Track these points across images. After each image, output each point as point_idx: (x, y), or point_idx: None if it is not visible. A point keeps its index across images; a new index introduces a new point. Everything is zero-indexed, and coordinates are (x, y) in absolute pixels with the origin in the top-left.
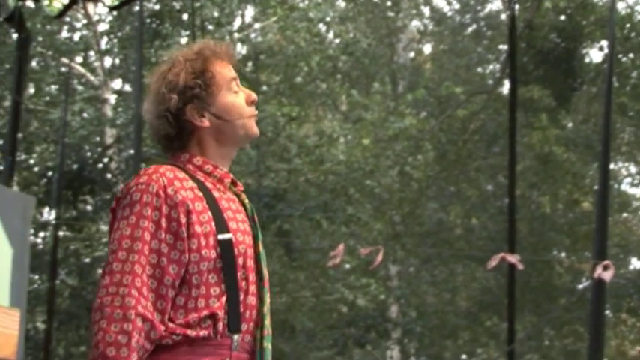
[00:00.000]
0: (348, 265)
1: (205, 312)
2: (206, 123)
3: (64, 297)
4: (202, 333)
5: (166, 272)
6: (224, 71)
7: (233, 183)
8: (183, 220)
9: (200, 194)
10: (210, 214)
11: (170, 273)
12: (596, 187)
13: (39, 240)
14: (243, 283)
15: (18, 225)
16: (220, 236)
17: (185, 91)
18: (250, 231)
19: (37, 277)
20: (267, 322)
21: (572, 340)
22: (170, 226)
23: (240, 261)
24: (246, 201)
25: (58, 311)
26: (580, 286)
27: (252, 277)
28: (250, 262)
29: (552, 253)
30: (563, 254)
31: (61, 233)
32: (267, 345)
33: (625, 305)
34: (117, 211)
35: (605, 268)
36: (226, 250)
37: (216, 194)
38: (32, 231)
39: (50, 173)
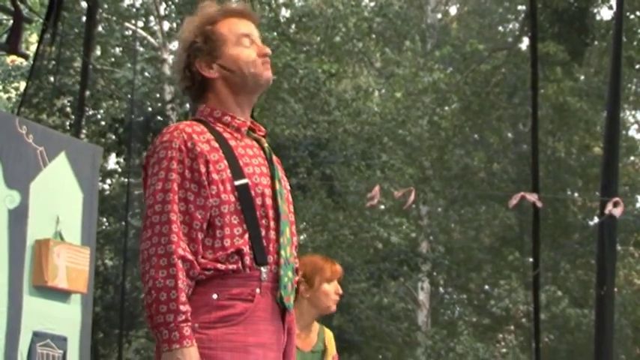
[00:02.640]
0: (382, 207)
1: (231, 249)
2: (214, 74)
3: (129, 237)
4: (231, 267)
5: (194, 217)
6: (234, 27)
7: (252, 129)
8: (203, 169)
9: (216, 145)
10: (226, 162)
11: (198, 218)
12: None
13: (106, 186)
14: (264, 221)
15: (87, 172)
16: (237, 182)
17: (191, 46)
18: (268, 172)
19: (104, 219)
20: (286, 252)
21: (585, 272)
22: (193, 176)
23: (258, 201)
24: (266, 145)
25: (126, 249)
26: (592, 223)
27: (271, 213)
28: (269, 201)
29: (567, 193)
30: (576, 194)
31: (124, 179)
32: (284, 273)
33: (632, 239)
34: (147, 168)
35: (616, 205)
36: (243, 193)
37: (233, 143)
38: (100, 178)
39: (117, 126)
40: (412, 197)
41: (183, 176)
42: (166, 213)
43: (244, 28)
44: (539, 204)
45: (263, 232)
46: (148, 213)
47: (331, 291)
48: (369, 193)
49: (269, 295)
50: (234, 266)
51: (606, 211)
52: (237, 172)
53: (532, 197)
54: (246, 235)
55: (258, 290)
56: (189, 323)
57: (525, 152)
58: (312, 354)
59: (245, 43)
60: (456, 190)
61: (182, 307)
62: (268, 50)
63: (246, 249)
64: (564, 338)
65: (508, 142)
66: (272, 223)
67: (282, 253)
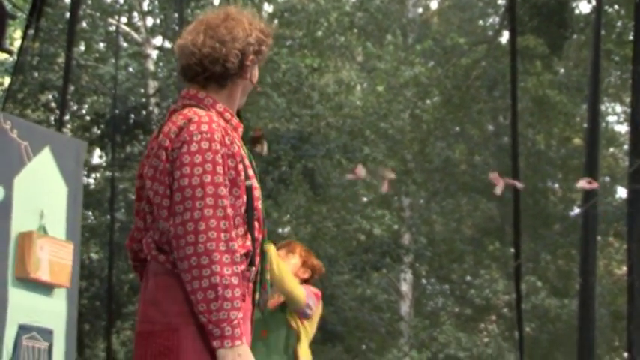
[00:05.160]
0: (365, 199)
1: (243, 250)
2: (247, 76)
3: (114, 230)
4: (242, 267)
5: (228, 216)
6: (266, 53)
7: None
8: (240, 167)
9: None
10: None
11: (230, 217)
12: (585, 125)
13: (91, 181)
14: (256, 223)
15: (72, 167)
16: (247, 183)
17: (254, 44)
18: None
19: (90, 213)
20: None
21: (566, 262)
22: (228, 174)
23: (256, 204)
24: (245, 147)
25: (112, 243)
26: (572, 214)
27: (261, 215)
28: (260, 204)
29: (547, 185)
30: (556, 185)
31: (109, 174)
32: (267, 277)
33: (612, 230)
34: (179, 154)
35: (589, 183)
36: (249, 195)
37: (237, 142)
38: (85, 173)
39: (100, 120)
40: (392, 174)
41: (224, 172)
42: (222, 208)
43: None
44: (519, 185)
45: (256, 234)
46: (195, 205)
47: None
48: (354, 170)
49: (250, 296)
50: (243, 266)
51: (578, 185)
52: (246, 172)
53: (513, 182)
54: (248, 236)
55: (246, 290)
56: None
57: (506, 144)
58: (279, 311)
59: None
60: (437, 183)
61: (241, 306)
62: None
63: (250, 250)
64: (545, 328)
65: (489, 135)
66: (258, 225)
67: (267, 257)
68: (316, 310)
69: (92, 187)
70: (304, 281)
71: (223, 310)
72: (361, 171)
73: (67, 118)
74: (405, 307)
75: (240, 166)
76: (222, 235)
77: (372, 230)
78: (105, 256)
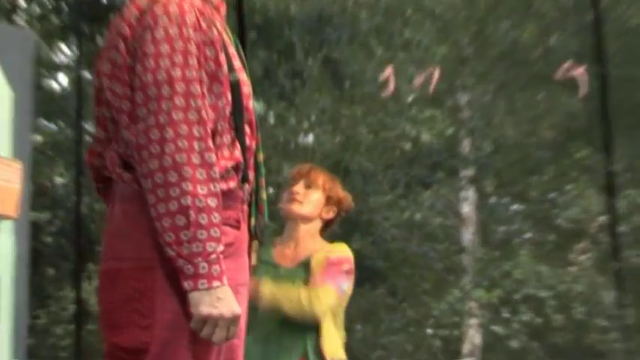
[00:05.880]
0: (410, 97)
1: (231, 163)
2: None
3: (82, 145)
4: (231, 185)
5: (203, 120)
6: None
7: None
8: (222, 58)
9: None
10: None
11: (206, 121)
12: None
13: (54, 85)
14: (247, 128)
15: (18, 64)
16: (231, 77)
17: None
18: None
19: (53, 125)
20: (263, 169)
21: None
22: (206, 66)
23: (245, 103)
24: (230, 32)
25: (80, 162)
26: None
27: (253, 118)
28: (251, 103)
29: None
30: None
31: (76, 74)
32: (264, 196)
33: None
34: (142, 42)
35: None
36: (236, 92)
37: (218, 26)
38: (45, 73)
39: (62, 6)
40: (436, 77)
41: (200, 64)
42: (196, 110)
43: None
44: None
45: (247, 142)
46: (162, 106)
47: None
48: (381, 77)
49: (245, 222)
50: (233, 183)
51: None
52: (230, 64)
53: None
54: (237, 145)
55: (240, 214)
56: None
57: (589, 21)
58: (300, 267)
59: None
60: (503, 73)
61: (221, 236)
62: None
63: (241, 163)
64: None
65: (567, 10)
66: (249, 130)
67: (263, 170)
68: (350, 284)
69: (57, 92)
70: (327, 223)
71: (197, 242)
72: (391, 75)
73: (20, 2)
74: (467, 235)
75: (222, 56)
76: (196, 144)
77: (420, 136)
78: (72, 179)
